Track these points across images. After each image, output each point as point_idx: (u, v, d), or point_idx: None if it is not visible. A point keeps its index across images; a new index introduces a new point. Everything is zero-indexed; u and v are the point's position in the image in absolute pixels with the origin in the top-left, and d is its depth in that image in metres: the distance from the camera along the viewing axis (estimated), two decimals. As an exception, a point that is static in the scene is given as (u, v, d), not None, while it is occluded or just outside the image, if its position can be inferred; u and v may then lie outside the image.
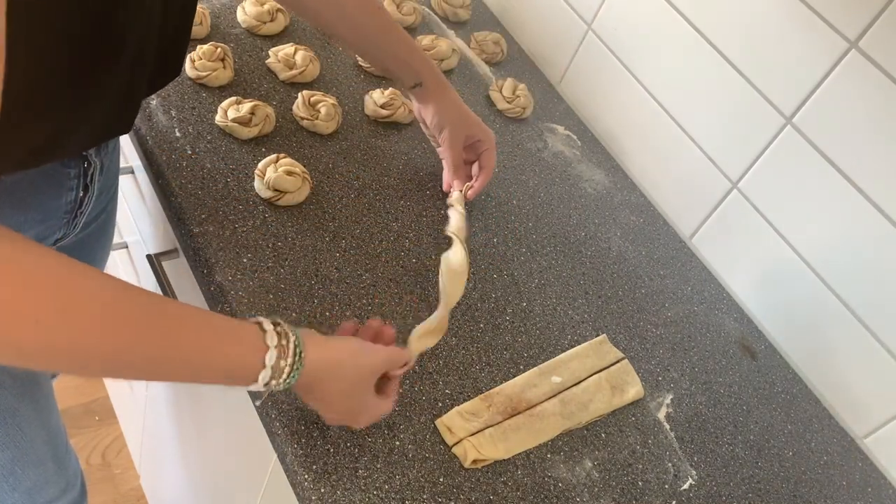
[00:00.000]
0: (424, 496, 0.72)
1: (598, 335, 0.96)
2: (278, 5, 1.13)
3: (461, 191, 1.00)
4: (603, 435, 0.86)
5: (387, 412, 0.73)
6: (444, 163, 1.02)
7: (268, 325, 0.60)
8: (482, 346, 0.88)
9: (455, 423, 0.78)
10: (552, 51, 1.37)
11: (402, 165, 1.04)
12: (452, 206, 0.97)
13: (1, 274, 0.46)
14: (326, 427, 0.73)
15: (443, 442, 0.77)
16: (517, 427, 0.81)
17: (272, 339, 0.59)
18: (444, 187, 1.02)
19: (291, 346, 0.60)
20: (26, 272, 0.47)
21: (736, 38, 1.07)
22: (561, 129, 1.27)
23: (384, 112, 1.08)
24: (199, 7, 1.07)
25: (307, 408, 0.73)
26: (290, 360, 0.60)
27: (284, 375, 0.60)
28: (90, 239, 0.91)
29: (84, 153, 0.74)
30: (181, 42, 0.77)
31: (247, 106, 0.95)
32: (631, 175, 1.25)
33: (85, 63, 0.59)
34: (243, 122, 0.95)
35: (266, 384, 0.60)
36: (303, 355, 0.61)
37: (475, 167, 1.04)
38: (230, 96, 0.98)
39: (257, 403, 0.73)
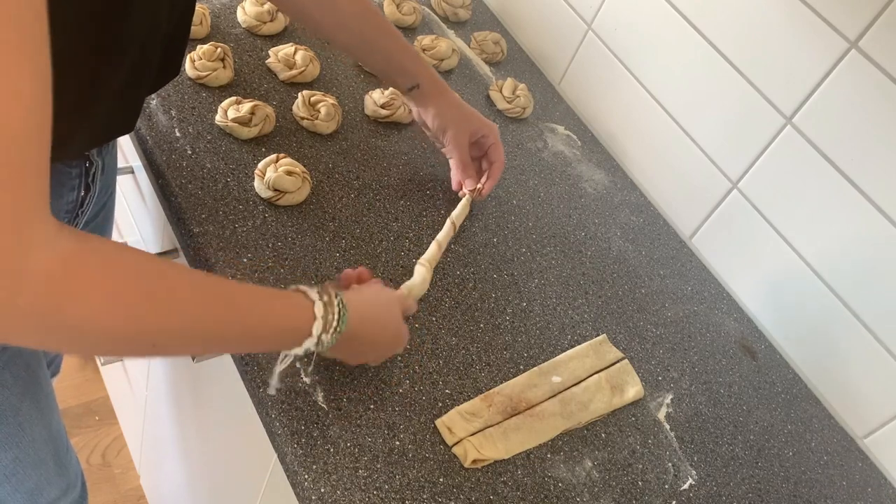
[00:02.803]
0: (424, 496, 0.72)
1: (598, 335, 0.96)
2: (278, 5, 1.13)
3: (471, 191, 1.00)
4: (603, 435, 0.86)
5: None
6: (451, 163, 1.02)
7: (304, 287, 0.65)
8: (482, 346, 0.88)
9: (455, 423, 0.78)
10: (552, 51, 1.37)
11: (402, 165, 1.04)
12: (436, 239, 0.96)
13: (82, 259, 0.47)
14: (326, 427, 0.73)
15: (443, 442, 0.77)
16: (517, 427, 0.81)
17: (315, 296, 0.64)
18: (454, 187, 1.02)
19: (335, 319, 0.65)
20: (108, 260, 0.49)
21: (736, 38, 1.07)
22: (561, 129, 1.27)
23: (384, 112, 1.08)
24: (199, 7, 1.07)
25: (308, 403, 0.73)
26: (335, 309, 0.65)
27: (334, 323, 0.65)
28: None
29: (86, 153, 0.74)
30: (180, 42, 0.77)
31: (247, 106, 0.95)
32: (631, 175, 1.25)
33: (92, 64, 0.59)
34: (243, 122, 0.95)
35: (318, 336, 0.64)
36: (344, 301, 0.66)
37: (484, 163, 1.03)
38: (230, 96, 0.98)
39: (271, 391, 0.73)
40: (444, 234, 0.95)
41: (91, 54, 0.58)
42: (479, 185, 1.01)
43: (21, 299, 0.43)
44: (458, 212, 0.99)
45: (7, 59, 0.39)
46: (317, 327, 0.63)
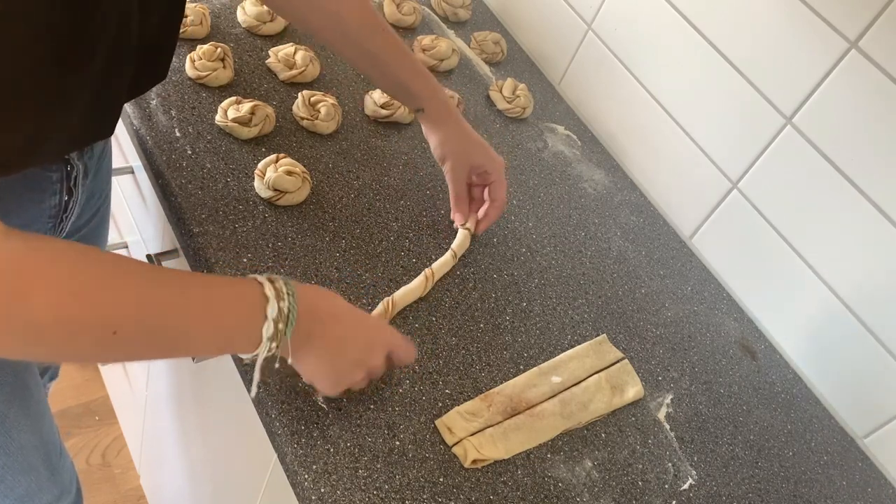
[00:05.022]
0: (424, 496, 0.72)
1: (598, 335, 0.96)
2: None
3: (463, 225, 0.97)
4: (603, 435, 0.86)
5: (405, 348, 0.75)
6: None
7: (262, 279, 0.64)
8: (482, 346, 0.88)
9: (455, 423, 0.79)
10: (552, 51, 1.37)
11: (402, 165, 1.04)
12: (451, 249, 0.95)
13: (31, 256, 0.48)
14: (326, 427, 0.73)
15: (443, 442, 0.77)
16: (517, 427, 0.81)
17: (269, 289, 0.62)
18: (452, 217, 0.98)
19: (283, 286, 0.63)
20: (56, 255, 0.50)
21: (736, 38, 1.07)
22: (561, 129, 1.27)
23: (384, 112, 1.08)
24: (199, 7, 1.07)
25: (308, 403, 0.73)
26: (286, 301, 0.63)
27: (286, 311, 0.63)
28: (84, 241, 0.90)
29: (66, 157, 0.74)
30: (166, 47, 0.75)
31: (247, 106, 0.95)
32: (631, 175, 1.25)
33: (54, 72, 0.58)
34: (243, 122, 0.95)
35: (271, 335, 0.62)
36: (294, 291, 0.64)
37: (486, 193, 0.98)
38: (230, 96, 0.98)
39: (252, 394, 0.71)
40: (441, 263, 0.93)
41: (52, 64, 0.56)
42: (469, 227, 0.96)
43: None
44: (458, 242, 0.96)
45: None
46: (268, 290, 0.62)
